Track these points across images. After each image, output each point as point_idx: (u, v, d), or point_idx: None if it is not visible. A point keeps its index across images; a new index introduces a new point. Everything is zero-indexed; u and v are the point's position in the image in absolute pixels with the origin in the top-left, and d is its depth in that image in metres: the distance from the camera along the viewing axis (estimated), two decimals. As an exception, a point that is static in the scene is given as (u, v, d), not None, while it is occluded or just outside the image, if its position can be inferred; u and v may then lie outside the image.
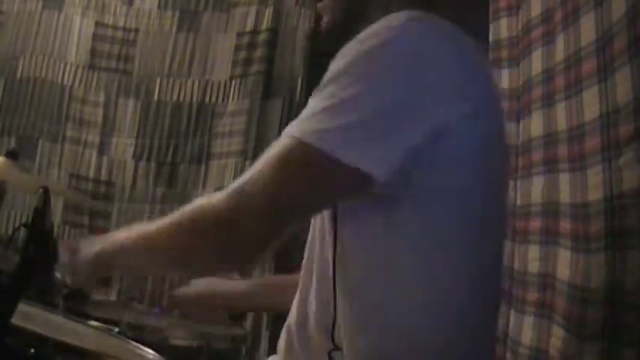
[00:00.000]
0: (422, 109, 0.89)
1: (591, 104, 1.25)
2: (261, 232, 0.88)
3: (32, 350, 1.08)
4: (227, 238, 0.90)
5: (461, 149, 0.91)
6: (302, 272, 1.11)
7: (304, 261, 1.11)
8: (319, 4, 1.13)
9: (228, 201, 0.90)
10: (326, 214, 1.01)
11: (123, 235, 1.05)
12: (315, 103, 0.90)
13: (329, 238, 0.99)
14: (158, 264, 1.06)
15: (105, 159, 3.15)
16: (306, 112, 0.90)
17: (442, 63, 0.91)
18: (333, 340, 0.96)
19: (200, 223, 0.93)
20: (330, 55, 1.17)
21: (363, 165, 0.85)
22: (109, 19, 3.26)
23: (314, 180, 0.89)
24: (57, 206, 3.00)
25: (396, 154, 0.87)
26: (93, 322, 1.61)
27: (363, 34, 0.92)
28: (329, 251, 0.98)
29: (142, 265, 1.09)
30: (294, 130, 0.89)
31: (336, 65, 0.91)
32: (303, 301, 1.08)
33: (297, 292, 1.12)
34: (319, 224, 1.06)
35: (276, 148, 0.89)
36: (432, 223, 0.92)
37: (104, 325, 1.62)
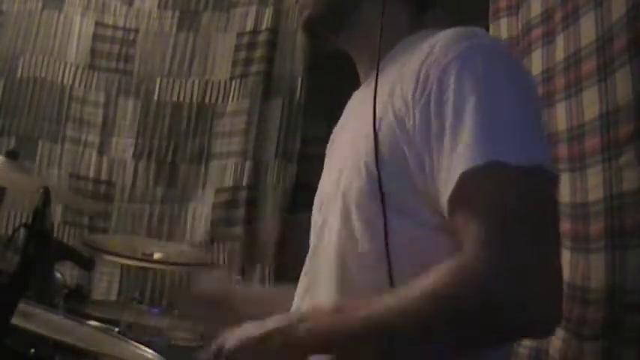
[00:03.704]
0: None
1: (591, 104, 1.25)
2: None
3: (32, 350, 1.08)
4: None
5: None
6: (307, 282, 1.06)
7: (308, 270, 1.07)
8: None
9: (491, 263, 0.78)
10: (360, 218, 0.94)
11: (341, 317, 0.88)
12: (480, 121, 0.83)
13: (368, 243, 0.93)
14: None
15: (105, 159, 3.15)
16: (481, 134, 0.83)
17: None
18: None
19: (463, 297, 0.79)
20: (331, 55, 1.16)
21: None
22: (109, 19, 3.25)
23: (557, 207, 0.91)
24: (57, 206, 3.00)
25: None
26: (93, 322, 1.61)
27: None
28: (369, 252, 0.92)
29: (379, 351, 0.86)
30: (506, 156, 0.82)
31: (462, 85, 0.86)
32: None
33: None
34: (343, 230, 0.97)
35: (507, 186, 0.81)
36: None
37: (104, 325, 1.62)
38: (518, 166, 0.81)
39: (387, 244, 0.90)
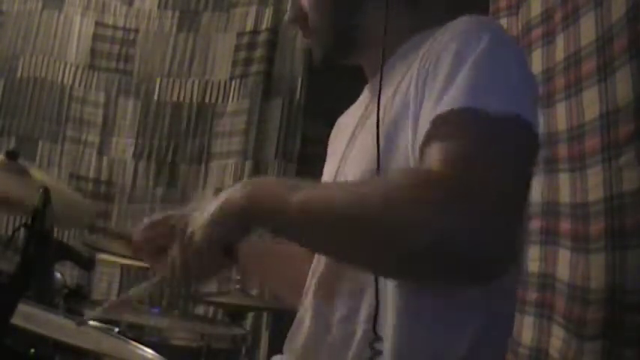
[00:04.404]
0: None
1: (591, 104, 1.25)
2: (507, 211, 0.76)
3: (32, 350, 1.08)
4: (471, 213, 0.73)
5: None
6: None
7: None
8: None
9: (454, 171, 0.76)
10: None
11: (285, 188, 0.85)
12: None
13: None
14: (354, 241, 0.79)
15: (105, 159, 3.15)
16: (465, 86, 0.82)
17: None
18: (374, 329, 0.85)
19: (429, 190, 0.74)
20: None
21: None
22: (109, 19, 3.26)
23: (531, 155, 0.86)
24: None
25: None
26: (93, 322, 1.61)
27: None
28: None
29: (323, 236, 0.83)
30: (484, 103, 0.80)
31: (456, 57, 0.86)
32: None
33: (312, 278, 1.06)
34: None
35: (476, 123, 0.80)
36: None
37: (104, 325, 1.62)
38: (497, 112, 0.80)
39: None
